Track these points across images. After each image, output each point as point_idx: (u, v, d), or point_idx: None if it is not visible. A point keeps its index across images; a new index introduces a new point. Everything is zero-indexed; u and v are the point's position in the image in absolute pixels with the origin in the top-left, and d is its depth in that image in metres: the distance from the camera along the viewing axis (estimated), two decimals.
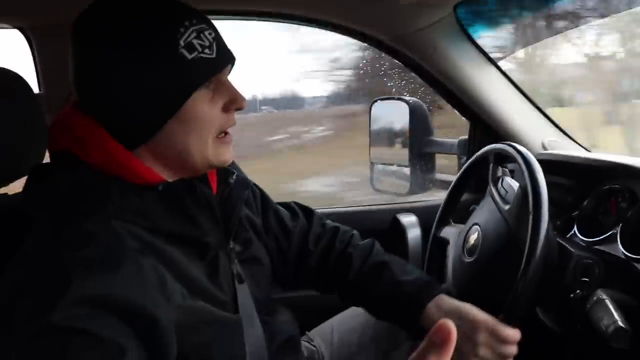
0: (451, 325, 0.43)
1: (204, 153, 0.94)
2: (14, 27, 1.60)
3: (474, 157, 1.50)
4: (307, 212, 1.37)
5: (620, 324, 1.00)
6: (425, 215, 1.91)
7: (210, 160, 0.95)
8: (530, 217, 1.08)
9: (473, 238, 1.27)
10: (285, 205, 1.36)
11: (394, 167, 2.35)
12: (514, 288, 1.04)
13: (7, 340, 0.70)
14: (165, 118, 0.89)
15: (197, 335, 0.86)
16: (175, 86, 0.88)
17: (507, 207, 1.23)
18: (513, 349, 1.09)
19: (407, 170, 2.22)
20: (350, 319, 1.50)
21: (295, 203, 1.39)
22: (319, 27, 1.81)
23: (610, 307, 1.04)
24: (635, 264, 1.19)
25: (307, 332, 1.51)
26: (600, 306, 1.05)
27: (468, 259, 1.26)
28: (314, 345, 1.45)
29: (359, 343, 1.42)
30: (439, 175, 2.23)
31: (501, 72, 1.85)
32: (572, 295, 1.13)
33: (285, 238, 1.29)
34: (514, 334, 1.08)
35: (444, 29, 1.72)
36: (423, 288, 1.19)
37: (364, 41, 1.86)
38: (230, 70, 0.99)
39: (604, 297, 1.06)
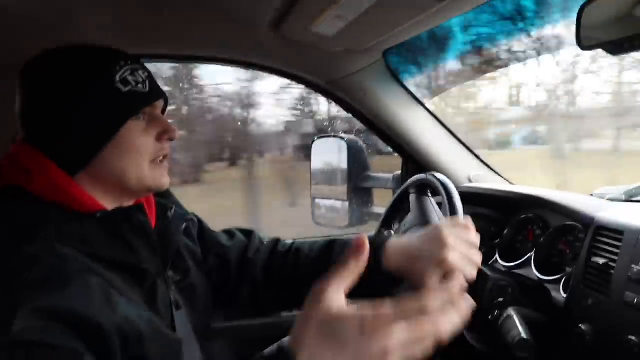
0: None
1: (141, 176, 1.01)
2: None
3: (399, 190, 1.61)
4: (246, 232, 1.39)
5: (524, 335, 1.12)
6: None
7: (147, 183, 1.03)
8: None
9: None
10: (226, 230, 1.39)
11: (333, 202, 2.44)
12: None
13: None
14: (102, 143, 0.97)
15: (139, 347, 0.88)
16: (111, 115, 0.97)
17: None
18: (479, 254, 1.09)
19: (345, 205, 2.31)
20: None
21: (237, 228, 1.42)
22: (258, 70, 1.90)
23: (517, 321, 1.15)
24: (546, 285, 1.32)
25: None
26: (509, 321, 1.16)
27: None
28: None
29: None
30: (376, 209, 2.32)
31: (428, 111, 1.97)
32: (489, 316, 1.23)
33: (224, 255, 1.31)
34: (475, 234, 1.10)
35: (374, 73, 1.84)
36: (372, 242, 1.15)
37: (301, 84, 1.96)
38: (165, 108, 1.10)
39: (512, 313, 1.17)
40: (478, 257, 1.10)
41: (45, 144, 0.97)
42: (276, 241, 1.36)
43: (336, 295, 0.69)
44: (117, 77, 0.97)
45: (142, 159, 1.01)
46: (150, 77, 1.04)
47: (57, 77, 0.97)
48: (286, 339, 0.74)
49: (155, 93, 1.04)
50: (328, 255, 1.27)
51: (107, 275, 0.90)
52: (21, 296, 0.77)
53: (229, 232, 1.37)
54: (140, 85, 1.00)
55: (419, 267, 1.09)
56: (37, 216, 0.90)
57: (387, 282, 1.16)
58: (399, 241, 1.18)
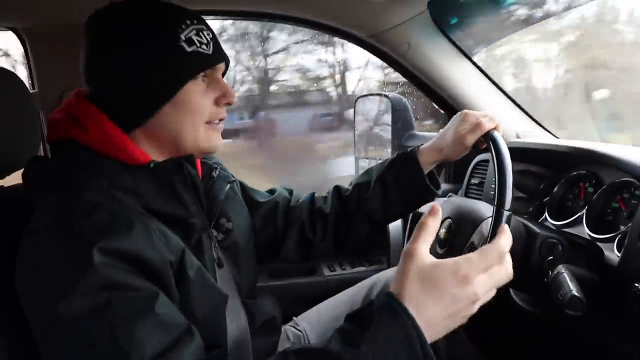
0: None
1: (195, 137, 1.02)
2: (8, 28, 1.66)
3: None
4: (287, 189, 1.45)
5: (575, 292, 1.07)
6: None
7: (201, 144, 1.03)
8: (495, 187, 1.10)
9: (443, 232, 1.31)
10: (268, 190, 1.44)
11: (378, 162, 2.40)
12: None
13: (54, 310, 0.78)
14: (161, 102, 0.98)
15: (191, 288, 0.92)
16: (173, 74, 0.97)
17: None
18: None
19: None
20: (336, 304, 1.56)
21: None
22: (301, 26, 1.88)
23: (567, 278, 1.10)
24: (598, 243, 1.26)
25: (294, 318, 1.56)
26: (559, 278, 1.11)
27: (440, 251, 1.31)
28: (299, 330, 1.50)
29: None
30: None
31: (475, 66, 1.91)
32: (538, 276, 1.19)
33: (269, 208, 1.36)
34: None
35: (418, 25, 1.78)
36: (404, 153, 1.33)
37: (344, 38, 1.92)
38: (225, 71, 1.10)
39: (563, 270, 1.13)
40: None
41: (104, 98, 0.98)
42: (313, 193, 1.43)
43: (425, 251, 0.81)
44: (183, 36, 0.97)
45: (199, 121, 1.02)
46: (215, 38, 1.04)
47: (121, 32, 0.97)
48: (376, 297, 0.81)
49: (219, 56, 1.04)
50: (367, 177, 1.36)
51: (161, 226, 0.93)
52: (90, 239, 0.80)
53: (270, 191, 1.42)
54: (204, 46, 1.00)
55: (448, 141, 1.26)
56: (92, 167, 0.93)
57: (429, 186, 1.29)
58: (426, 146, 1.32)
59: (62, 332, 0.78)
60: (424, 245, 0.81)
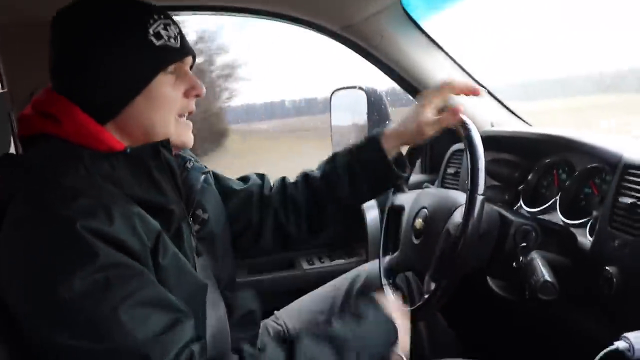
0: None
1: (167, 130, 1.02)
2: None
3: None
4: (259, 175, 1.43)
5: (547, 277, 1.08)
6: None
7: (172, 138, 1.03)
8: (468, 176, 1.13)
9: (419, 222, 1.32)
10: (240, 177, 1.42)
11: None
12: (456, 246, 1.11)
13: (53, 293, 0.80)
14: (132, 95, 0.98)
15: (165, 275, 0.93)
16: (143, 67, 0.98)
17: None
18: None
19: None
20: (316, 298, 1.57)
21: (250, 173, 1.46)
22: (273, 19, 1.86)
23: (540, 264, 1.12)
24: (571, 229, 1.28)
25: (275, 312, 1.57)
26: (532, 264, 1.13)
27: (416, 241, 1.31)
28: (279, 325, 1.51)
29: (327, 322, 1.47)
30: None
31: (448, 55, 1.92)
32: (513, 262, 1.20)
33: (243, 198, 1.35)
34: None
35: (390, 16, 1.79)
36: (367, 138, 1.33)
37: (316, 31, 1.90)
38: (192, 65, 1.10)
39: (535, 256, 1.14)
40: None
41: (75, 94, 0.98)
42: (283, 178, 1.42)
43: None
44: (151, 30, 0.99)
45: (170, 113, 1.03)
46: (181, 33, 1.06)
47: (90, 28, 0.98)
48: None
49: (186, 49, 1.06)
50: (333, 165, 1.34)
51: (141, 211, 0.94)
52: (77, 222, 0.82)
53: (243, 178, 1.41)
54: (172, 40, 1.01)
55: (410, 129, 1.27)
56: (70, 157, 0.93)
57: (395, 170, 1.29)
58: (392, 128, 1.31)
59: (62, 315, 0.81)
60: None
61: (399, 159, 1.31)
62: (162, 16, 1.01)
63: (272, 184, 1.41)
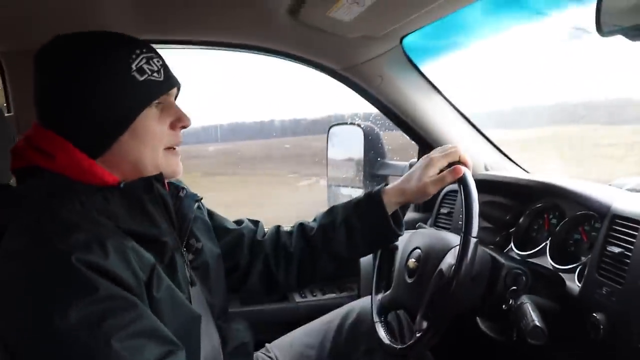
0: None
1: (156, 162, 1.04)
2: None
3: None
4: (253, 221, 1.46)
5: (537, 322, 1.11)
6: None
7: (162, 169, 1.05)
8: (462, 218, 1.17)
9: (412, 262, 1.34)
10: (235, 220, 1.45)
11: (349, 189, 2.45)
12: (449, 286, 1.14)
13: (48, 324, 0.80)
14: (120, 131, 1.00)
15: (160, 308, 0.93)
16: (127, 104, 0.99)
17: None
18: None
19: (361, 192, 2.31)
20: (308, 332, 1.57)
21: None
22: (276, 57, 1.90)
23: (530, 308, 1.14)
24: (561, 274, 1.31)
25: (266, 344, 1.57)
26: (522, 308, 1.15)
27: (409, 280, 1.34)
28: (270, 357, 1.51)
29: (318, 356, 1.48)
30: None
31: (445, 98, 1.96)
32: (503, 305, 1.23)
33: (235, 238, 1.37)
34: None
35: (391, 59, 1.83)
36: (368, 194, 1.38)
37: (317, 70, 1.94)
38: (177, 95, 1.12)
39: (526, 301, 1.17)
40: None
41: (63, 130, 0.99)
42: (278, 226, 1.44)
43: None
44: (134, 66, 1.00)
45: (157, 147, 1.04)
46: (165, 65, 1.06)
47: (73, 65, 0.98)
48: None
49: (170, 81, 1.06)
50: (331, 217, 1.37)
51: (135, 245, 0.94)
52: (72, 255, 0.83)
53: (237, 222, 1.43)
54: (155, 74, 1.02)
55: (412, 187, 1.32)
56: (65, 190, 0.94)
57: (393, 228, 1.34)
58: (392, 186, 1.37)
59: (58, 346, 0.80)
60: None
61: (396, 216, 1.36)
62: (144, 50, 1.02)
63: (265, 231, 1.43)
